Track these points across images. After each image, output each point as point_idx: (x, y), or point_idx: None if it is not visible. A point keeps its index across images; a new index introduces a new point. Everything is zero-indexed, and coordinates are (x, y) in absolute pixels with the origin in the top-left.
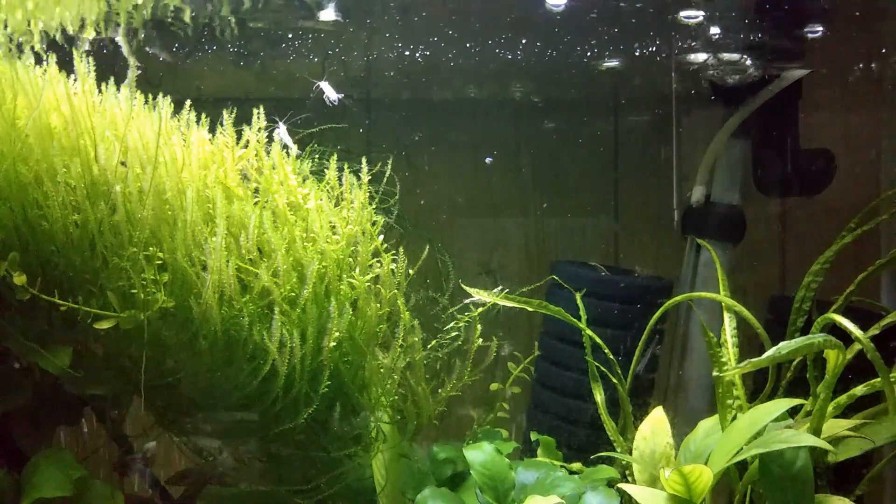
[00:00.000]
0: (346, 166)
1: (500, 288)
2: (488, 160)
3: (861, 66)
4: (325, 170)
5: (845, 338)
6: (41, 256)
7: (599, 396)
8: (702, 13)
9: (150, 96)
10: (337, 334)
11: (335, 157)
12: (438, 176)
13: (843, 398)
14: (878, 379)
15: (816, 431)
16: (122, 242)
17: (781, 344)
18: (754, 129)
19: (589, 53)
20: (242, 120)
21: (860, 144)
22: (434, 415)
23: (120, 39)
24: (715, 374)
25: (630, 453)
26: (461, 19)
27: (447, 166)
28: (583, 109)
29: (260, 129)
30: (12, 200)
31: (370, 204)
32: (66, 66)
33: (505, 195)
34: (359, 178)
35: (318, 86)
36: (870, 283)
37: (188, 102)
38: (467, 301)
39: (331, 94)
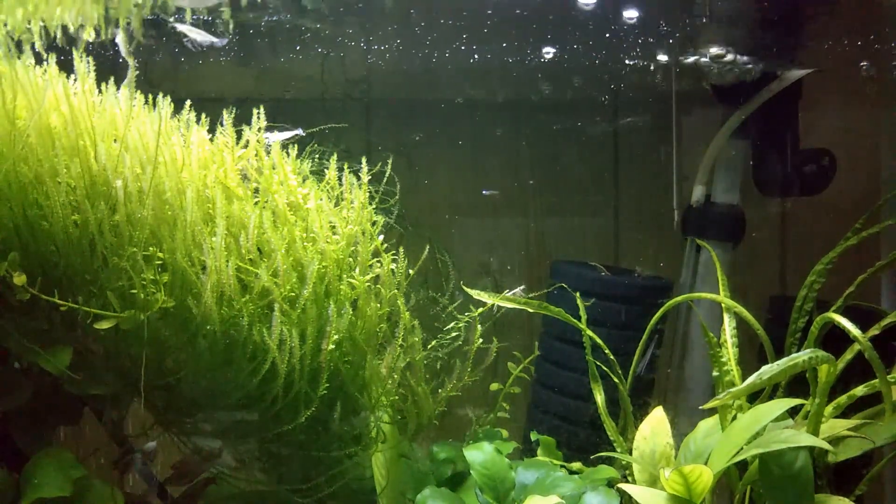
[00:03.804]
0: (346, 166)
1: (520, 289)
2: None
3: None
4: (325, 170)
5: (845, 338)
6: (41, 256)
7: (599, 396)
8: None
9: (150, 96)
10: (336, 337)
11: (335, 157)
12: (438, 176)
13: (843, 398)
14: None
15: (814, 434)
16: (122, 242)
17: (763, 369)
18: (754, 129)
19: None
20: (242, 120)
21: (860, 143)
22: (434, 415)
23: (119, 39)
24: (715, 373)
25: (630, 453)
26: (460, 18)
27: (447, 166)
28: (583, 109)
29: (260, 129)
30: (12, 200)
31: (370, 204)
32: (66, 65)
33: (505, 195)
34: (359, 178)
35: (182, 31)
36: (870, 284)
37: (188, 102)
38: (481, 309)
39: (198, 36)
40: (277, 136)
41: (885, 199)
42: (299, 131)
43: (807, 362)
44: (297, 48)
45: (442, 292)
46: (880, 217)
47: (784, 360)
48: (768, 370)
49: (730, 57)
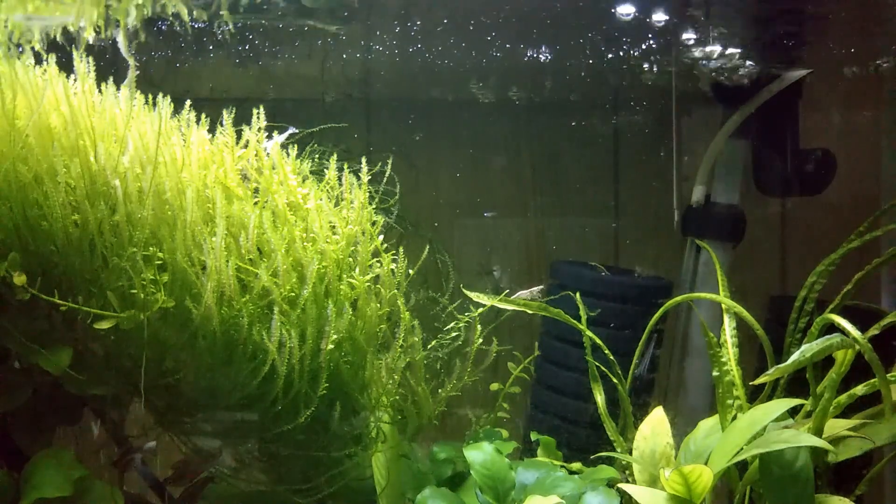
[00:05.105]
0: (345, 166)
1: (537, 288)
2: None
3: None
4: (325, 170)
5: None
6: (41, 256)
7: (599, 396)
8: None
9: (150, 96)
10: (335, 337)
11: (335, 156)
12: (438, 176)
13: (843, 398)
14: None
15: (818, 430)
16: (122, 242)
17: (804, 347)
18: (754, 129)
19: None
20: (242, 120)
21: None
22: (434, 415)
23: (119, 39)
24: (715, 373)
25: (630, 453)
26: (459, 17)
27: (447, 166)
28: (583, 109)
29: (260, 129)
30: (12, 200)
31: (370, 204)
32: (66, 65)
33: (505, 195)
34: (359, 178)
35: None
36: (870, 284)
37: (188, 102)
38: (481, 309)
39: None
40: (276, 139)
41: (892, 204)
42: (292, 130)
43: (839, 343)
44: (297, 48)
45: (442, 292)
46: (880, 219)
47: (821, 339)
48: (809, 349)
49: (730, 56)
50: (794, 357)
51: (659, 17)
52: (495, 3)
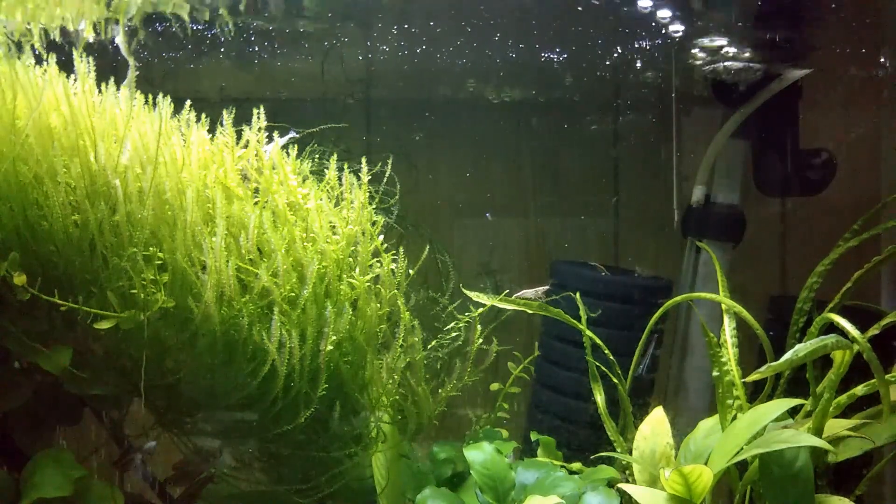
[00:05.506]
0: (346, 166)
1: (542, 289)
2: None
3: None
4: (325, 170)
5: (843, 337)
6: (41, 256)
7: (599, 396)
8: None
9: (150, 96)
10: (335, 337)
11: (335, 156)
12: (438, 176)
13: (843, 398)
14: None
15: (818, 430)
16: (122, 242)
17: (797, 347)
18: (754, 129)
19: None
20: (242, 120)
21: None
22: (434, 415)
23: (119, 39)
24: (715, 373)
25: (630, 453)
26: (459, 17)
27: (448, 166)
28: (583, 109)
29: (260, 129)
30: (12, 200)
31: (370, 204)
32: (66, 66)
33: (505, 195)
34: (359, 178)
35: None
36: (871, 284)
37: (188, 102)
38: (481, 309)
39: None
40: (276, 141)
41: (885, 201)
42: (293, 133)
43: (834, 344)
44: (298, 49)
45: (442, 292)
46: (880, 218)
47: (815, 340)
48: (802, 348)
49: (730, 56)
50: (787, 356)
51: (659, 16)
52: (496, 3)
